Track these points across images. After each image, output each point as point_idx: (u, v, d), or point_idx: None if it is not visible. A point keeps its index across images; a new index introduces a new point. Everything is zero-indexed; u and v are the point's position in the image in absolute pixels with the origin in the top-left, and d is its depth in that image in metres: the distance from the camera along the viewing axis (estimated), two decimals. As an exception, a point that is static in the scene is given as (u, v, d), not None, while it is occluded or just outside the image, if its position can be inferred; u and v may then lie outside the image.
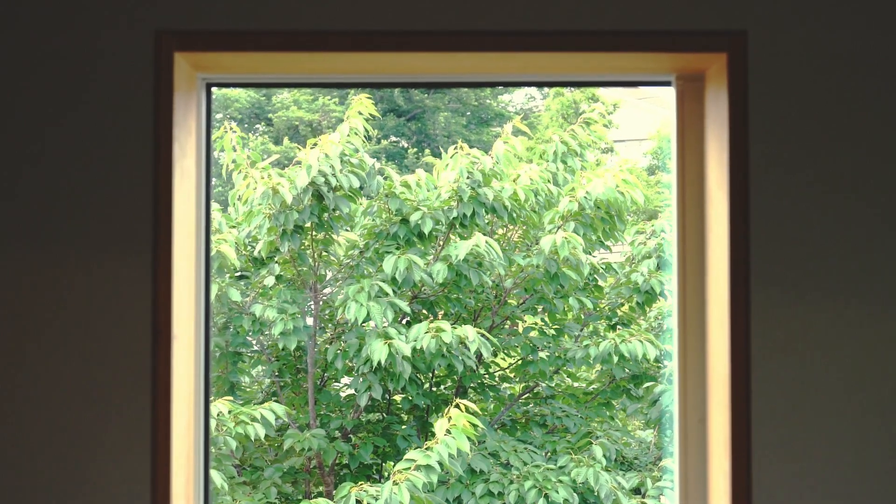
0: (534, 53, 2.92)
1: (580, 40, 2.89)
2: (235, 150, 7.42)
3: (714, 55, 2.91)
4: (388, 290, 7.24)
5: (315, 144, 7.38)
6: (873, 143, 2.90)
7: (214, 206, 7.81)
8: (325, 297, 7.87)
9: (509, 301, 7.99)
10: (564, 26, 2.88)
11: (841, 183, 2.89)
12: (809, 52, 2.90)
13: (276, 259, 7.58)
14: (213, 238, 7.19)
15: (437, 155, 8.57)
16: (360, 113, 7.52)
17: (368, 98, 7.69)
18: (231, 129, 7.48)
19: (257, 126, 13.92)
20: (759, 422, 2.86)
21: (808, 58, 2.89)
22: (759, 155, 2.88)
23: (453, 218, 7.60)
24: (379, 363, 7.14)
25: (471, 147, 7.84)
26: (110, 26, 2.84)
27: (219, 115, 13.29)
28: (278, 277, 7.56)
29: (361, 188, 7.48)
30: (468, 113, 14.12)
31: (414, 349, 7.22)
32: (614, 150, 11.74)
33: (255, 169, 7.39)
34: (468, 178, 7.56)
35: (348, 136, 7.40)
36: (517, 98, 15.04)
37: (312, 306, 7.72)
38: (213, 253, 7.10)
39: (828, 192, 2.89)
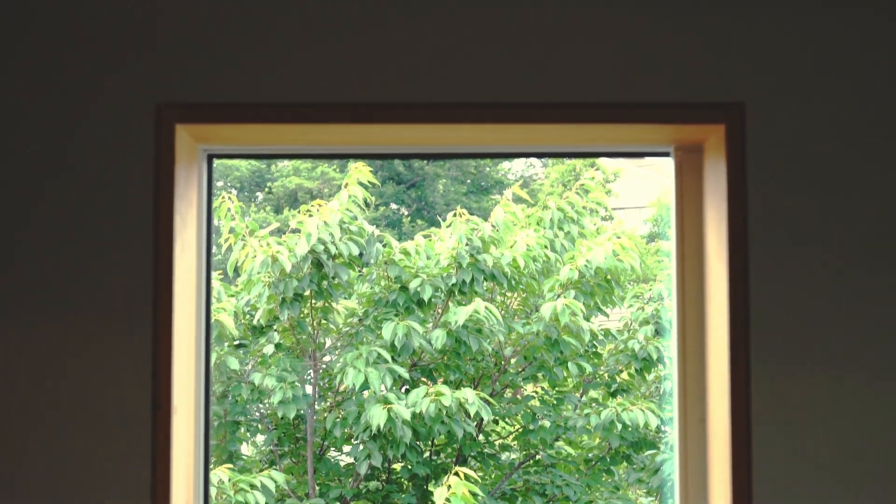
0: (533, 125, 2.93)
1: (578, 112, 2.90)
2: (234, 220, 7.44)
3: (712, 127, 2.93)
4: (387, 356, 7.23)
5: (308, 212, 7.39)
6: (872, 216, 2.91)
7: (214, 274, 7.82)
8: (324, 366, 7.86)
9: (509, 369, 7.98)
10: (563, 98, 2.90)
11: (840, 254, 2.90)
12: (806, 122, 2.91)
13: (275, 327, 7.58)
14: (212, 307, 7.19)
15: (436, 223, 8.59)
16: (360, 181, 7.54)
17: (367, 166, 7.72)
18: (230, 198, 7.50)
19: (258, 194, 13.95)
20: (760, 491, 2.85)
21: (805, 129, 2.91)
22: (758, 226, 2.88)
23: (452, 285, 7.60)
24: (378, 429, 7.11)
25: (471, 214, 7.85)
26: (112, 98, 2.86)
27: (219, 184, 13.33)
28: (277, 346, 7.55)
29: (361, 255, 7.49)
30: (468, 181, 14.17)
31: (414, 414, 7.19)
32: (614, 217, 11.77)
33: (254, 238, 7.40)
34: (467, 244, 7.57)
35: (347, 204, 7.42)
36: (517, 165, 15.10)
37: (312, 374, 7.71)
38: (212, 321, 7.08)
39: (827, 263, 2.89)
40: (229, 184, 13.66)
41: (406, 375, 7.34)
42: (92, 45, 2.86)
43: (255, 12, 2.88)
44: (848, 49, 2.94)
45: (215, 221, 8.10)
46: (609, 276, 7.71)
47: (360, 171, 7.59)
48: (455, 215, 7.76)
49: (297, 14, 2.89)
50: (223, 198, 7.50)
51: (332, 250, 7.27)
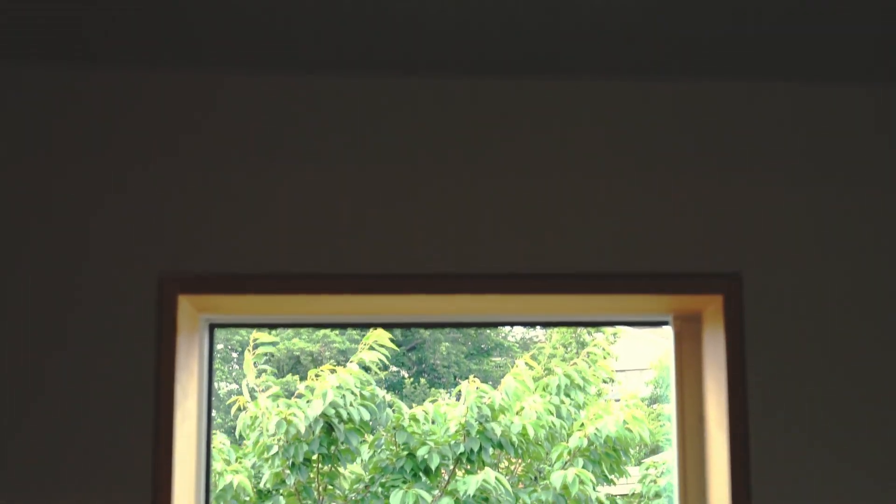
0: (532, 295, 2.95)
1: (577, 283, 2.92)
2: (258, 387, 7.45)
3: (710, 297, 2.94)
4: None
5: (316, 376, 7.38)
6: (870, 383, 2.91)
7: (223, 437, 7.79)
8: (327, 532, 7.76)
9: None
10: (562, 269, 2.92)
11: (839, 423, 2.89)
12: (803, 292, 2.93)
13: (280, 491, 7.50)
14: (224, 469, 7.15)
15: (437, 385, 8.58)
16: (379, 344, 7.54)
17: (385, 332, 7.71)
18: (253, 350, 7.52)
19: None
20: None
21: (801, 298, 2.93)
22: (757, 395, 2.88)
23: (460, 453, 7.55)
24: None
25: (471, 376, 7.84)
26: (114, 269, 2.86)
27: (220, 346, 13.32)
28: (282, 510, 7.46)
29: (370, 421, 7.46)
30: (468, 343, 14.16)
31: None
32: (615, 380, 11.72)
33: (255, 400, 7.37)
34: (477, 411, 7.54)
35: (367, 367, 7.42)
36: (517, 328, 15.11)
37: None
38: (218, 490, 7.04)
39: (827, 433, 2.88)
40: (230, 347, 13.66)
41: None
42: (94, 217, 2.88)
43: (255, 185, 2.91)
44: (841, 220, 2.97)
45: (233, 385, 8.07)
46: (617, 446, 7.67)
47: (377, 334, 7.60)
48: (467, 382, 7.75)
49: (297, 187, 2.92)
50: (249, 356, 7.52)
51: (344, 415, 7.24)
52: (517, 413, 7.67)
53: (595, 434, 7.61)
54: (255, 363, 7.62)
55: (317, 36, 2.77)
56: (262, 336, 7.75)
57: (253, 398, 7.45)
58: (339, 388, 7.23)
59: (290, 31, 2.74)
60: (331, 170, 2.93)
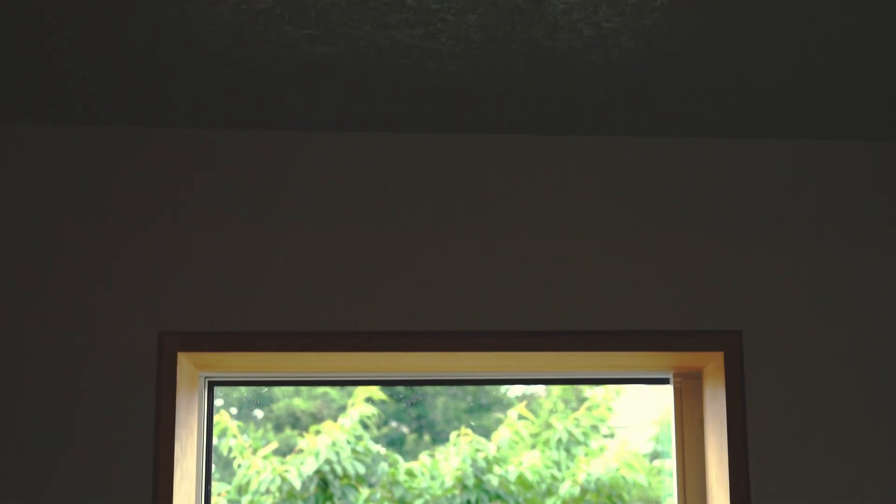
0: (532, 353, 2.94)
1: (578, 341, 2.91)
2: (235, 439, 7.37)
3: (710, 354, 2.94)
4: None
5: (318, 431, 7.34)
6: (869, 440, 2.90)
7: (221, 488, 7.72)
8: None
9: None
10: (563, 327, 2.91)
11: (840, 480, 2.88)
12: (802, 349, 2.93)
13: (277, 550, 7.43)
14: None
15: (439, 440, 8.50)
16: (370, 399, 7.49)
17: (380, 388, 7.65)
18: (232, 415, 7.45)
19: (256, 412, 13.88)
20: None
21: (801, 355, 2.92)
22: (758, 452, 2.87)
23: (458, 505, 7.49)
24: None
25: (472, 432, 7.78)
26: (115, 327, 2.86)
27: (219, 402, 13.28)
28: (275, 572, 7.39)
29: (365, 475, 7.40)
30: (468, 398, 14.14)
31: None
32: (615, 435, 11.66)
33: (255, 457, 7.32)
34: (472, 465, 7.49)
35: (360, 421, 7.36)
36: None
37: None
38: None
39: (827, 490, 2.87)
40: (229, 403, 13.63)
41: None
42: (94, 275, 2.88)
43: (253, 244, 2.91)
44: (841, 277, 2.97)
45: (233, 440, 8.00)
46: (612, 494, 7.60)
47: (368, 389, 7.54)
48: (459, 435, 7.69)
49: (296, 245, 2.92)
50: (220, 416, 7.44)
51: (339, 470, 7.19)
52: (517, 465, 7.61)
53: (587, 480, 7.55)
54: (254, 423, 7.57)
55: (315, 95, 2.77)
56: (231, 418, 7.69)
57: (230, 451, 7.37)
58: (333, 444, 7.18)
59: (287, 89, 2.75)
60: (329, 227, 2.93)
